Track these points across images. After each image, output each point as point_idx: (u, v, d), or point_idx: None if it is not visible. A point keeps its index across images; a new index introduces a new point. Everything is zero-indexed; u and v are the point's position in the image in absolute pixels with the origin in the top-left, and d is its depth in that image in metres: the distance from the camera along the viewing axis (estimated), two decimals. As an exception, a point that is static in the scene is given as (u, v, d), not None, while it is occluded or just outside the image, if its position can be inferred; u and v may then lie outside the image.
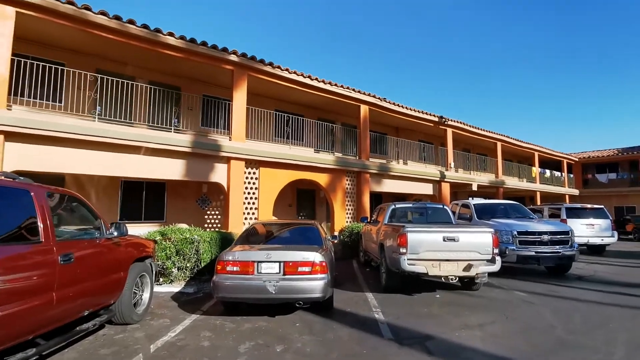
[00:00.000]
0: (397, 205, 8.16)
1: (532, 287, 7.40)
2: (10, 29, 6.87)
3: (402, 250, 6.08)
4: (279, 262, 4.90)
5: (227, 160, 9.78)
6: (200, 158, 9.32)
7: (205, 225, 11.78)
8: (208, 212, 12.00)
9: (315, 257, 4.94)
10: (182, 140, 8.82)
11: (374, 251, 8.49)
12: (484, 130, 18.39)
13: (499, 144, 19.72)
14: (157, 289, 6.92)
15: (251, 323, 4.91)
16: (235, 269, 4.91)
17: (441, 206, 8.26)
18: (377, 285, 7.37)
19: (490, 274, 7.05)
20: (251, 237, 6.09)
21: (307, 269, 4.88)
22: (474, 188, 17.43)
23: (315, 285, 4.82)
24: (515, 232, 8.31)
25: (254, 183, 10.38)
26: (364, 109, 13.34)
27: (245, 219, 10.13)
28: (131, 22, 8.00)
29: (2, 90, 6.73)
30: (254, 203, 10.35)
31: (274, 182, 10.78)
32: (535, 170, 22.30)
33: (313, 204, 15.23)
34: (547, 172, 23.23)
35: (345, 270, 9.31)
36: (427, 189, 15.65)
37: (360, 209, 12.84)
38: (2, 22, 6.77)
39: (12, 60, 7.17)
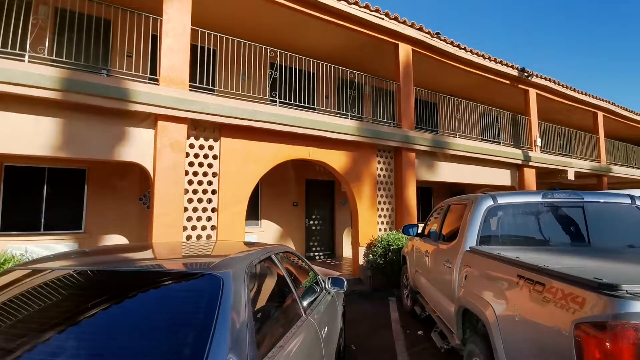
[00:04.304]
0: (500, 200, 3.21)
1: None
2: None
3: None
4: None
5: (154, 120, 5.36)
6: (95, 115, 4.97)
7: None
8: (161, 216, 7.66)
9: None
10: (44, 77, 4.47)
11: (439, 307, 3.70)
12: (580, 92, 12.67)
13: (600, 115, 13.83)
14: None
15: None
16: None
17: (626, 199, 3.18)
18: None
19: None
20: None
21: None
22: (570, 177, 11.82)
23: None
24: None
25: (209, 164, 5.87)
26: (404, 49, 8.41)
27: (194, 227, 5.65)
28: None
29: None
30: (209, 200, 5.83)
31: (249, 164, 6.22)
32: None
33: (331, 202, 10.53)
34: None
35: (374, 328, 4.59)
36: (502, 178, 10.41)
37: (402, 210, 7.96)
38: None
39: None
